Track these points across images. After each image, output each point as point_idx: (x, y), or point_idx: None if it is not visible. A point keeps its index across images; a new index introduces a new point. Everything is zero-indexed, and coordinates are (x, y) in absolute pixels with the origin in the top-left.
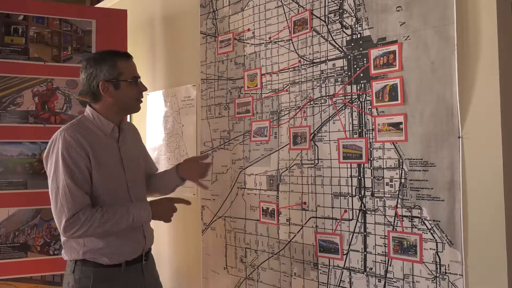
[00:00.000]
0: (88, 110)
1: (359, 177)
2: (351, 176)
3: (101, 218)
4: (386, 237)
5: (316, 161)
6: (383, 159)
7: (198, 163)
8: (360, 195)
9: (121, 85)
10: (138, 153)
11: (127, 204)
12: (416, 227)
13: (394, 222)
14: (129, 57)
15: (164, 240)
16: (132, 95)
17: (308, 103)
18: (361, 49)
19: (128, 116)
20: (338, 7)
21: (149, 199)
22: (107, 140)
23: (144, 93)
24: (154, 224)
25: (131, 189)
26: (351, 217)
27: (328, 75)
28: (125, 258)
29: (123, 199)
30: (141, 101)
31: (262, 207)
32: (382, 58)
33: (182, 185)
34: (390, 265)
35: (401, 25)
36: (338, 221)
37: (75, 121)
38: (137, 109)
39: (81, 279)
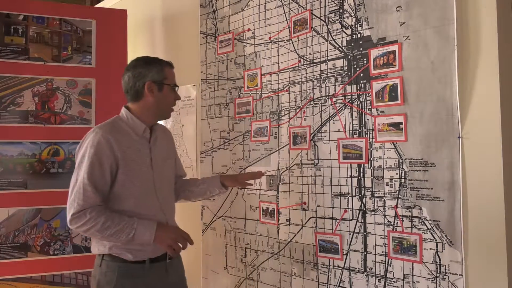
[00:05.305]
0: (123, 111)
1: (359, 177)
2: (351, 176)
3: (104, 223)
4: (386, 237)
5: (316, 161)
6: (383, 159)
7: (244, 175)
8: (360, 195)
9: (164, 88)
10: (169, 154)
11: (135, 220)
12: (416, 227)
13: (394, 222)
14: (172, 66)
15: None
16: (170, 100)
17: (308, 103)
18: (361, 49)
19: None
20: (338, 7)
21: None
22: (139, 140)
23: None
24: None
25: (158, 189)
26: (351, 217)
27: (328, 75)
28: (148, 256)
29: (150, 198)
30: (173, 110)
31: (262, 207)
32: (382, 58)
33: (222, 192)
34: (390, 265)
35: (401, 25)
36: (338, 221)
37: (110, 121)
38: (169, 115)
39: (107, 273)
